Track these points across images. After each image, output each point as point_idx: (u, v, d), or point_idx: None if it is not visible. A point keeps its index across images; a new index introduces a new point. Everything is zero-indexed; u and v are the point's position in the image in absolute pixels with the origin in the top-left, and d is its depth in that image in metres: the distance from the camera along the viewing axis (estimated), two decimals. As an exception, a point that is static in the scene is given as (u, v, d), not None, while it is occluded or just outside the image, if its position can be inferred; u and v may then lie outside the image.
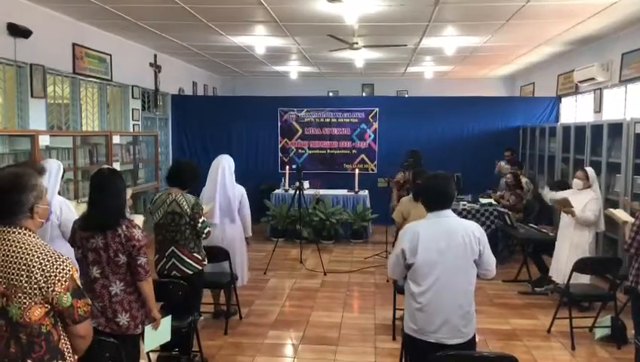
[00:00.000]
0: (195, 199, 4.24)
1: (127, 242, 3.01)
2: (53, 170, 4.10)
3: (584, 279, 5.41)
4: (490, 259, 3.04)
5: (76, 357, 2.19)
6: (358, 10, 6.76)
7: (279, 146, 10.93)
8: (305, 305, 5.97)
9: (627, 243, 3.90)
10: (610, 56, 8.40)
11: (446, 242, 2.95)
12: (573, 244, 5.63)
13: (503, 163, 9.07)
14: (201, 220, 4.20)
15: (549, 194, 6.31)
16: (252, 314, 5.62)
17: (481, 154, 9.97)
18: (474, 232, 2.99)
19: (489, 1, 6.38)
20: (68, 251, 3.99)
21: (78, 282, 2.13)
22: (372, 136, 10.82)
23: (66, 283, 2.05)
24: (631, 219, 4.30)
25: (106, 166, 5.99)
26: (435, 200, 3.08)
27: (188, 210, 4.14)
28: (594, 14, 6.99)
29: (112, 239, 3.00)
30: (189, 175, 4.35)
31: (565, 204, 5.65)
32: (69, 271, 2.07)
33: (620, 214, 4.92)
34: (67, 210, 4.05)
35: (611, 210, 5.15)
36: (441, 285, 2.93)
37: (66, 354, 2.12)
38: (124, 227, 3.02)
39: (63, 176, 4.29)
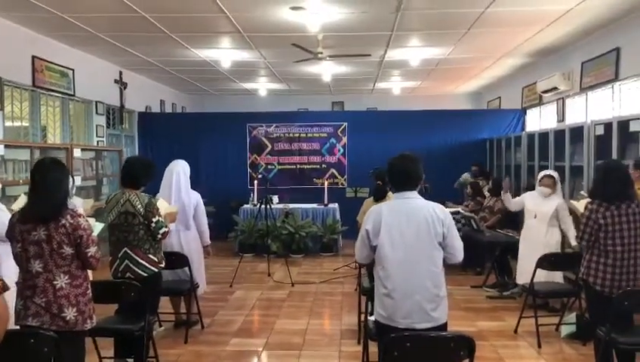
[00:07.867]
0: (149, 198, 4.06)
1: (73, 231, 2.89)
2: None
3: (558, 277, 5.35)
4: (456, 243, 2.97)
5: None
6: (321, 18, 6.78)
7: (248, 162, 10.83)
8: (270, 314, 5.83)
9: (578, 236, 3.87)
10: (570, 65, 8.57)
11: (408, 222, 2.90)
12: (544, 245, 5.39)
13: (466, 174, 9.28)
14: (155, 219, 3.99)
15: None
16: (215, 324, 5.45)
17: (449, 167, 9.98)
18: (437, 213, 2.92)
19: (449, 7, 6.47)
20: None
21: None
22: (341, 150, 10.81)
23: None
24: None
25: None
26: (400, 180, 3.03)
27: (141, 209, 3.97)
28: (551, 22, 7.14)
29: (55, 230, 2.87)
30: (140, 172, 4.14)
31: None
32: None
33: (581, 206, 4.87)
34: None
35: (573, 202, 5.09)
36: (405, 267, 2.88)
37: None
38: (68, 217, 2.90)
39: None
